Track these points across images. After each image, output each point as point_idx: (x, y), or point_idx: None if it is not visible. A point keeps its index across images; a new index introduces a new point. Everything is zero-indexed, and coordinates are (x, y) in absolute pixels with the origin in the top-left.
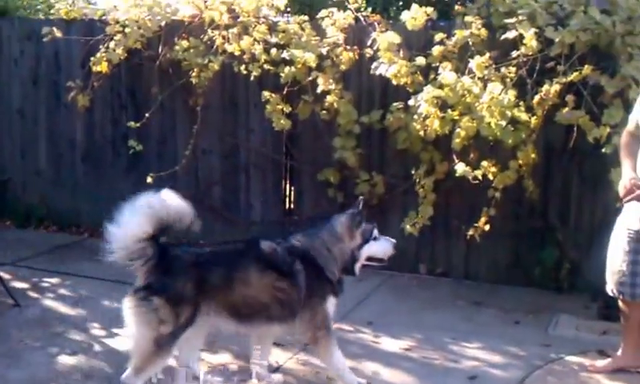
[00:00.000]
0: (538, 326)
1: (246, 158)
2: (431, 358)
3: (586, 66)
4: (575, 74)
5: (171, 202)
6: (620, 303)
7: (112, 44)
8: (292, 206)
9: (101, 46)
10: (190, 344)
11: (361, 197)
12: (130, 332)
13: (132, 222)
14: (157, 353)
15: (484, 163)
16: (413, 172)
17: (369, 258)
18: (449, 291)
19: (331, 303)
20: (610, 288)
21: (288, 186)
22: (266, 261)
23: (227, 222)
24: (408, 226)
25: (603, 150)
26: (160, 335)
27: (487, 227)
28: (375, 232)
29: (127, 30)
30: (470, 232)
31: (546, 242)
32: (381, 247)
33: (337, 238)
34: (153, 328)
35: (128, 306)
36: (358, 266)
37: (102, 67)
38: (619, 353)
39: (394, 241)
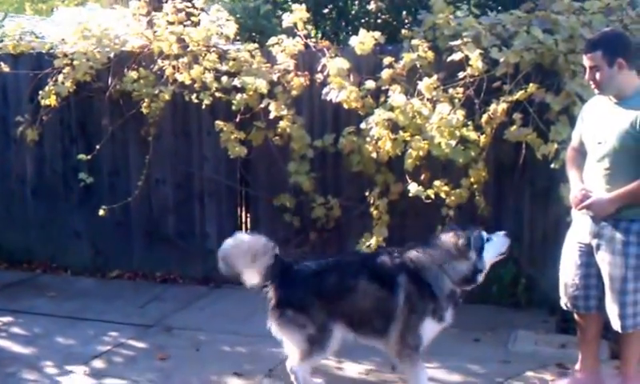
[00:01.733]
0: (497, 342)
1: (200, 187)
2: (390, 381)
3: (532, 85)
4: (521, 92)
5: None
6: (576, 317)
7: (60, 77)
8: (248, 232)
9: (49, 80)
10: None
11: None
12: (285, 344)
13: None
14: (312, 349)
15: (436, 183)
16: (367, 194)
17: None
18: None
19: (429, 325)
20: (564, 302)
21: (244, 212)
22: (371, 273)
23: (182, 252)
24: (363, 248)
25: (552, 166)
26: (308, 335)
27: None
28: (484, 235)
29: (76, 62)
30: None
31: (502, 259)
32: (496, 247)
33: (451, 256)
34: (299, 332)
35: (272, 324)
36: (481, 276)
37: (51, 101)
38: (577, 367)
39: (504, 232)
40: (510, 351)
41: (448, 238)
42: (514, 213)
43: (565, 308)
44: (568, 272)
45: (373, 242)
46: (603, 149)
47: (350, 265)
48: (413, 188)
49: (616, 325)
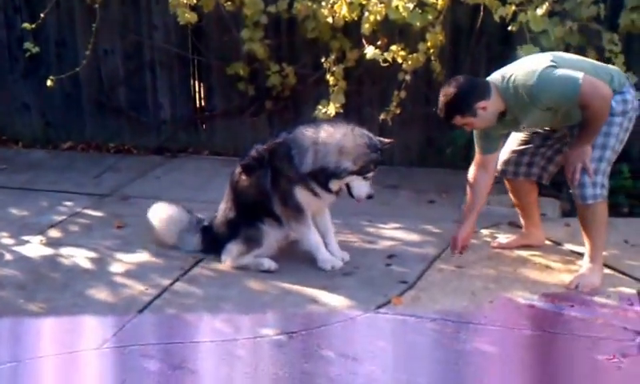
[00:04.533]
0: (451, 204)
1: (150, 56)
2: (350, 240)
3: None
4: None
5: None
6: (507, 183)
7: None
8: (202, 102)
9: None
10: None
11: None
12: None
13: None
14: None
15: (393, 47)
16: (323, 61)
17: (348, 188)
18: None
19: (300, 192)
20: (500, 168)
21: (197, 82)
22: (248, 162)
23: (135, 123)
24: (320, 115)
25: (509, 29)
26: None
27: (398, 111)
28: (370, 175)
29: None
30: (382, 116)
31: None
32: (359, 187)
33: (336, 144)
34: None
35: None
36: (333, 185)
37: None
38: (523, 230)
39: (372, 192)
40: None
41: (361, 135)
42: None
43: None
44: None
45: (331, 109)
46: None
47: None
48: (370, 51)
49: (573, 195)
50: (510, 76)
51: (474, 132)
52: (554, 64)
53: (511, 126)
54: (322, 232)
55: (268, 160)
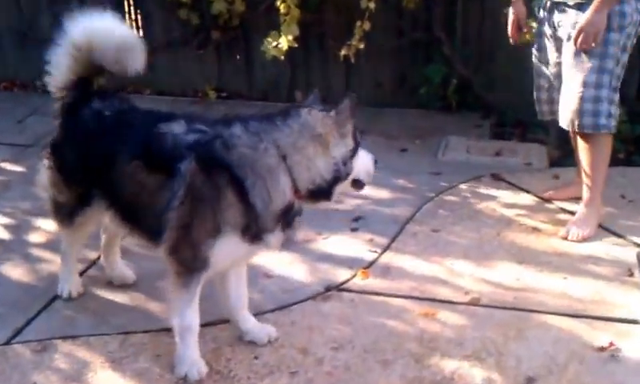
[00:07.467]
0: (426, 151)
1: None
2: None
3: None
4: None
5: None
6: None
7: None
8: (140, 31)
9: None
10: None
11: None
12: None
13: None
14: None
15: None
16: None
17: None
18: None
19: (230, 244)
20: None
21: (132, 9)
22: (152, 144)
23: None
24: (270, 48)
25: None
26: (55, 201)
27: (362, 45)
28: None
29: None
30: (343, 52)
31: (432, 58)
32: (364, 159)
33: (312, 135)
34: (49, 191)
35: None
36: (339, 189)
37: None
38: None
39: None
40: (441, 161)
41: (317, 108)
42: (445, 5)
43: (540, 117)
44: (540, 74)
45: (282, 41)
46: None
47: (137, 126)
48: None
49: (571, 124)
50: None
51: None
52: None
53: None
54: (234, 297)
55: (190, 173)
